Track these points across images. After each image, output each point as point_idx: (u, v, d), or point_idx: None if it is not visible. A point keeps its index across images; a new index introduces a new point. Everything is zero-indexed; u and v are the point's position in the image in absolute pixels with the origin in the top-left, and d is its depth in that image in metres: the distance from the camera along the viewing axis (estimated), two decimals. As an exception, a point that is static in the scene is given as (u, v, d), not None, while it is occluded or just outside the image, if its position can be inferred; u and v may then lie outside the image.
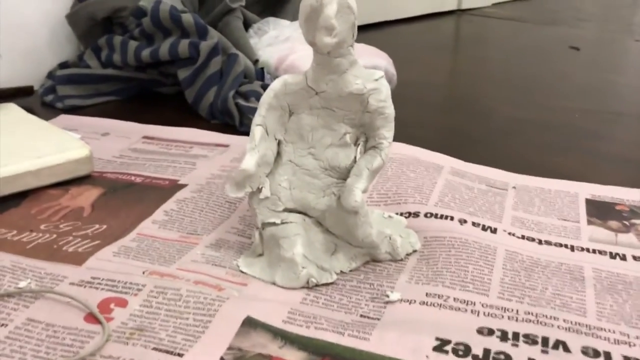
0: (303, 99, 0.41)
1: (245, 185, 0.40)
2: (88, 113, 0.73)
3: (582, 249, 0.44)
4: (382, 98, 0.40)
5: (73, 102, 0.74)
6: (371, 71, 0.41)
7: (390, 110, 0.41)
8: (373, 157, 0.40)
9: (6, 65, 0.79)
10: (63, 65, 0.80)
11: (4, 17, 0.77)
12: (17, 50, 0.79)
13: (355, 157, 0.41)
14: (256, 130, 0.41)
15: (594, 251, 0.43)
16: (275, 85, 0.41)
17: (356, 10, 0.38)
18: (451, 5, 1.40)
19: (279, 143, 0.42)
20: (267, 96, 0.41)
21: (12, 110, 0.66)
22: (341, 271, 0.41)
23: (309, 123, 0.41)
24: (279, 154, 0.42)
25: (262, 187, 0.41)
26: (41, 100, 0.76)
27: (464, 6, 1.41)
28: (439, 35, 1.23)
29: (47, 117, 0.71)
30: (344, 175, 0.41)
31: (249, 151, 0.40)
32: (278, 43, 0.78)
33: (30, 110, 0.73)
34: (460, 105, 0.79)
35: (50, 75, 0.79)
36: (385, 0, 1.25)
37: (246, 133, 0.67)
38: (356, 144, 0.42)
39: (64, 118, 0.71)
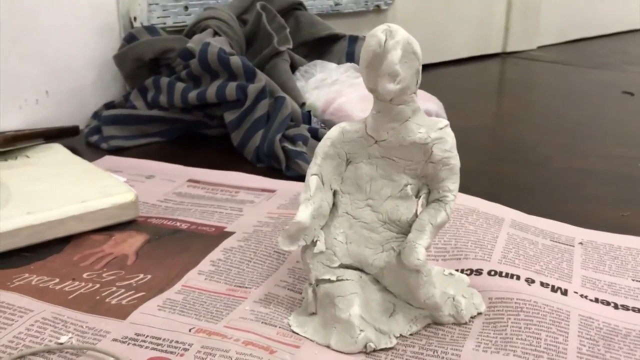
0: (361, 148, 0.39)
1: (299, 238, 0.38)
2: (132, 154, 0.72)
3: (664, 316, 0.40)
4: (447, 148, 0.38)
5: (118, 142, 0.74)
6: (435, 119, 0.38)
7: (455, 160, 0.38)
8: (437, 211, 0.38)
9: (52, 105, 0.79)
10: (109, 105, 0.80)
11: (51, 57, 0.77)
12: (63, 90, 0.79)
13: (416, 211, 0.39)
14: (311, 179, 0.39)
15: (677, 319, 0.39)
16: (332, 133, 0.39)
17: (421, 56, 0.36)
18: (496, 48, 1.38)
19: (335, 194, 0.39)
20: (323, 144, 0.39)
21: (58, 150, 0.66)
22: (401, 335, 0.38)
23: (367, 173, 0.39)
24: (334, 205, 0.39)
25: (316, 241, 0.38)
26: (86, 140, 0.76)
27: (509, 49, 1.39)
28: (484, 78, 1.20)
29: (91, 158, 0.70)
30: (404, 229, 0.38)
31: (304, 202, 0.38)
32: (325, 86, 0.76)
33: (75, 150, 0.73)
34: (511, 152, 0.76)
35: (96, 115, 0.79)
36: (430, 42, 1.23)
37: (292, 178, 0.66)
38: (417, 196, 0.39)
39: (108, 159, 0.70)
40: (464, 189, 0.57)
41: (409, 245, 0.37)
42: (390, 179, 0.39)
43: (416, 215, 0.38)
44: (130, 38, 0.77)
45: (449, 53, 1.28)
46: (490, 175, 0.67)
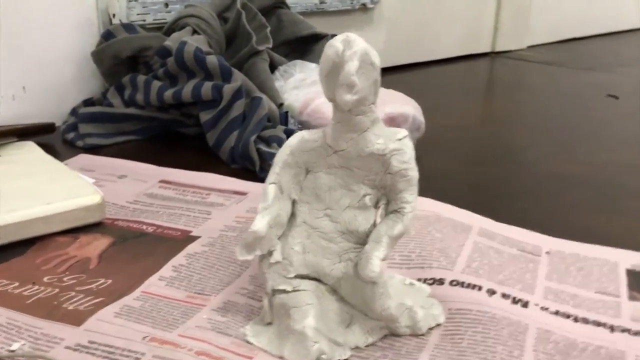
0: (321, 157, 0.38)
1: (256, 247, 0.38)
2: (108, 152, 0.71)
3: (623, 330, 0.40)
4: (406, 159, 0.37)
5: (94, 140, 0.73)
6: (394, 130, 0.38)
7: (413, 172, 0.38)
8: (394, 223, 0.37)
9: (30, 101, 0.78)
10: (87, 102, 0.79)
11: (29, 53, 0.77)
12: (41, 86, 0.79)
13: (375, 221, 0.38)
14: (269, 188, 0.38)
15: (637, 333, 0.39)
16: (292, 142, 0.39)
17: (379, 67, 0.36)
18: (485, 48, 1.37)
19: (294, 203, 0.39)
20: (282, 153, 0.39)
21: (30, 149, 0.65)
22: (356, 346, 0.38)
23: (326, 182, 0.38)
24: (293, 215, 0.39)
25: (273, 251, 0.38)
26: (62, 137, 0.75)
27: (499, 48, 1.39)
28: (472, 79, 1.20)
29: (67, 156, 0.70)
30: (362, 240, 0.38)
31: (261, 211, 0.38)
32: (304, 86, 0.76)
33: (51, 147, 0.73)
34: (493, 156, 0.76)
35: (74, 112, 0.78)
36: (418, 41, 1.23)
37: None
38: (376, 206, 0.39)
39: (83, 157, 0.69)
40: (438, 192, 0.57)
41: (364, 257, 0.37)
42: (349, 189, 0.38)
43: (374, 226, 0.38)
44: (107, 35, 0.76)
45: (438, 52, 1.28)
46: (468, 179, 0.67)
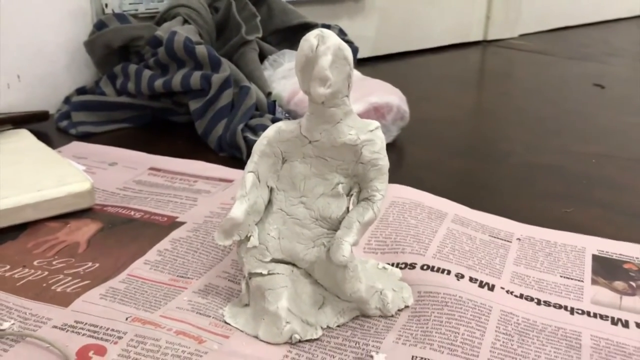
0: (296, 147, 0.40)
1: (234, 233, 0.40)
2: (100, 140, 0.73)
3: (583, 312, 0.42)
4: (376, 149, 0.39)
5: (86, 128, 0.75)
6: (367, 122, 0.40)
7: (384, 162, 0.39)
8: (365, 210, 0.39)
9: (24, 90, 0.80)
10: (80, 90, 0.81)
11: (23, 42, 0.78)
12: (35, 75, 0.80)
13: (347, 208, 0.40)
14: (247, 177, 0.40)
15: (594, 315, 0.41)
16: (268, 133, 0.40)
17: (352, 61, 0.38)
18: (477, 36, 1.38)
19: (271, 190, 0.41)
20: (260, 143, 0.40)
21: (24, 137, 0.67)
22: (328, 326, 0.40)
23: (301, 171, 0.40)
24: (270, 202, 0.41)
25: (250, 236, 0.40)
26: (56, 125, 0.77)
27: (490, 37, 1.40)
28: (462, 68, 1.21)
29: (60, 143, 0.72)
30: (335, 226, 0.40)
31: (239, 199, 0.40)
32: (292, 76, 0.77)
33: (44, 135, 0.74)
34: (475, 146, 0.78)
35: (67, 100, 0.80)
36: (409, 29, 1.24)
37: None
38: (349, 194, 0.41)
39: (75, 145, 0.71)
40: (416, 182, 0.59)
41: (336, 242, 0.39)
42: (323, 178, 0.40)
43: (347, 213, 0.40)
44: (100, 25, 0.78)
45: (429, 41, 1.29)
46: (448, 170, 0.69)
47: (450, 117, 0.89)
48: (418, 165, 0.69)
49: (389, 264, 0.46)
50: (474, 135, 0.82)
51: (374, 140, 0.39)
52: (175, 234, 0.51)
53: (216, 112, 0.70)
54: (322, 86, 0.37)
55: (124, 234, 0.51)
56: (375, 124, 0.40)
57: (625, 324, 0.41)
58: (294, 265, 0.41)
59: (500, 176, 0.68)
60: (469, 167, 0.70)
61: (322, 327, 0.40)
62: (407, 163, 0.70)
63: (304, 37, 0.37)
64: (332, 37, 0.37)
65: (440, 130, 0.83)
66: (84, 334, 0.38)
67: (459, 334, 0.39)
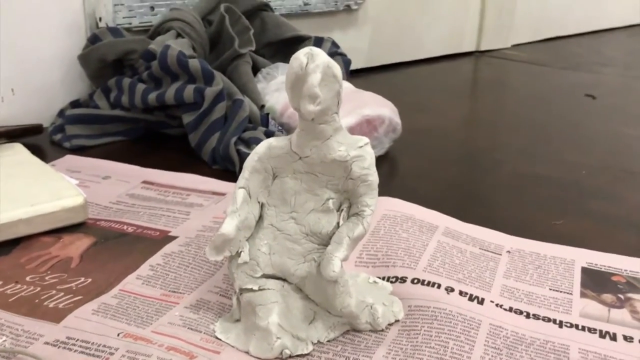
0: (287, 163, 0.41)
1: (225, 249, 0.40)
2: (94, 153, 0.73)
3: (571, 325, 0.42)
4: (366, 165, 0.40)
5: (80, 142, 0.75)
6: (356, 138, 0.40)
7: (373, 177, 0.40)
8: (355, 225, 0.40)
9: (19, 103, 0.80)
10: (75, 103, 0.81)
11: (18, 56, 0.79)
12: (30, 88, 0.81)
13: (337, 223, 0.41)
14: (238, 192, 0.41)
15: (583, 328, 0.42)
16: (259, 149, 0.41)
17: (341, 79, 0.38)
18: (470, 47, 1.39)
19: (262, 206, 0.41)
20: (251, 159, 0.41)
21: (17, 151, 0.67)
22: (318, 341, 0.40)
23: (292, 187, 0.41)
24: (260, 217, 0.41)
25: (241, 252, 0.40)
26: (50, 138, 0.77)
27: (483, 47, 1.41)
28: (455, 78, 1.22)
29: (54, 157, 0.72)
30: (325, 241, 0.40)
31: (230, 214, 0.40)
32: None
33: (38, 148, 0.75)
34: (467, 157, 0.78)
35: (61, 113, 0.80)
36: (402, 40, 1.25)
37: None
38: (339, 210, 0.41)
39: (69, 158, 0.71)
40: (407, 193, 0.60)
41: (326, 257, 0.39)
42: (314, 193, 0.41)
43: (337, 228, 0.40)
44: (93, 39, 0.78)
45: (422, 52, 1.30)
46: (440, 180, 0.69)
47: (443, 127, 0.89)
48: (410, 175, 0.69)
49: (380, 277, 0.46)
50: (466, 145, 0.83)
51: (364, 156, 0.40)
52: (167, 248, 0.51)
53: (209, 125, 0.70)
54: (312, 103, 0.38)
55: (116, 248, 0.51)
56: (364, 140, 0.40)
57: (613, 337, 0.41)
58: (284, 280, 0.41)
59: (492, 186, 0.68)
60: (461, 177, 0.71)
61: (312, 342, 0.40)
62: (399, 173, 0.70)
63: (294, 56, 0.38)
64: (321, 55, 0.37)
65: (433, 140, 0.83)
66: (75, 350, 0.38)
67: (448, 348, 0.39)
